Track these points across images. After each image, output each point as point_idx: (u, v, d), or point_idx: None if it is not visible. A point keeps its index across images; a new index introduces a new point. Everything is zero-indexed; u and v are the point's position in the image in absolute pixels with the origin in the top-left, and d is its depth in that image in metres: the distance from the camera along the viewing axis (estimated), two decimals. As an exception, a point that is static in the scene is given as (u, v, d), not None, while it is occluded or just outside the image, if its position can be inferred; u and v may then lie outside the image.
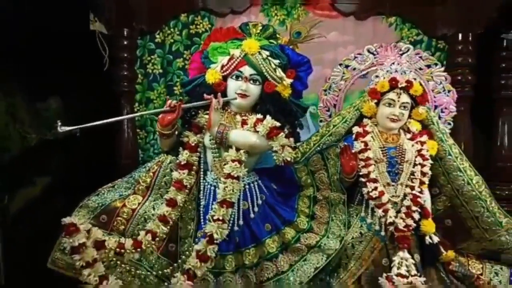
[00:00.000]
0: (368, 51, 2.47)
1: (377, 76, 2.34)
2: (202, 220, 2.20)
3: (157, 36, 2.88)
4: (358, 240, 2.25)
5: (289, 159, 2.14)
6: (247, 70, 2.17)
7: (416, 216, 2.20)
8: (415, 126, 2.31)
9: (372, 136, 2.27)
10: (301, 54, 2.30)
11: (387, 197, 2.20)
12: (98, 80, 2.78)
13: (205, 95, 2.15)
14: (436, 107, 2.47)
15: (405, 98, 2.25)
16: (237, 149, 2.13)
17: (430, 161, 2.24)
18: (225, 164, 2.12)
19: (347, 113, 2.35)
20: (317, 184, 2.35)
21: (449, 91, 2.46)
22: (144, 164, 2.32)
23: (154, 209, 2.18)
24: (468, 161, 2.31)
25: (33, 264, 2.27)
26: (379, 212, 2.19)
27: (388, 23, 2.94)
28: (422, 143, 2.26)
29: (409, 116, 2.31)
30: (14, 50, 2.72)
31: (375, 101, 2.29)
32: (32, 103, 2.96)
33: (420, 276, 2.13)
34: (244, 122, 2.17)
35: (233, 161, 2.11)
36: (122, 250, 2.04)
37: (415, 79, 2.30)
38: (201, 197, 2.24)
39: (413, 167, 2.24)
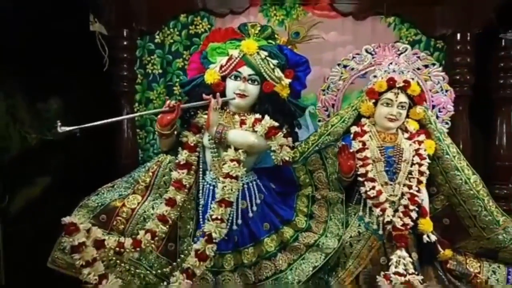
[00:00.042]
0: (366, 51, 2.48)
1: (375, 76, 2.35)
2: (201, 220, 2.20)
3: (157, 36, 2.89)
4: (356, 239, 2.26)
5: (287, 158, 2.15)
6: (245, 71, 2.18)
7: (414, 215, 2.21)
8: (413, 126, 2.33)
9: (370, 136, 2.29)
10: (299, 54, 2.32)
11: (385, 196, 2.21)
12: (98, 80, 2.79)
13: (204, 95, 2.16)
14: (433, 106, 2.48)
15: (402, 98, 2.26)
16: (236, 149, 2.13)
17: (427, 160, 2.25)
18: (223, 164, 2.13)
19: (345, 113, 2.37)
20: (315, 184, 2.35)
21: (446, 91, 2.48)
22: (144, 164, 2.33)
23: (153, 208, 2.19)
24: (466, 161, 2.32)
25: (34, 264, 2.28)
26: (377, 211, 2.21)
27: (387, 23, 2.95)
28: (420, 142, 2.27)
29: (407, 116, 2.32)
30: (14, 51, 2.73)
31: (373, 101, 2.30)
32: (32, 104, 2.97)
33: (417, 275, 2.13)
34: (242, 122, 2.18)
35: (231, 160, 2.12)
36: (122, 250, 2.05)
37: (412, 79, 2.31)
38: (200, 197, 2.24)
39: (411, 166, 2.25)
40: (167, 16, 2.88)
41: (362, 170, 2.22)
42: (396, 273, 2.12)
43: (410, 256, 2.18)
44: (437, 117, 2.46)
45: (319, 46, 2.60)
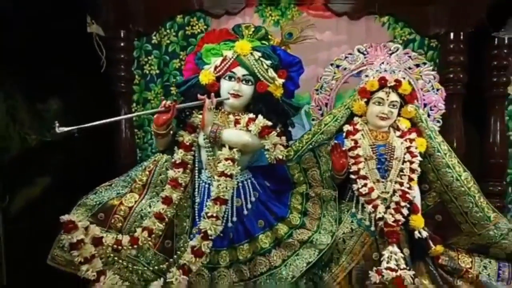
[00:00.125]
0: (359, 51, 2.51)
1: (366, 76, 2.37)
2: (197, 217, 2.24)
3: (154, 37, 2.93)
4: (349, 235, 2.29)
5: (280, 157, 2.19)
6: (239, 71, 2.21)
7: (405, 211, 2.23)
8: (404, 124, 2.34)
9: (362, 134, 2.32)
10: (292, 55, 2.34)
11: (377, 193, 2.24)
12: (96, 81, 2.81)
13: (199, 95, 2.19)
14: (425, 105, 2.50)
15: (394, 96, 2.29)
16: (230, 148, 2.16)
17: (419, 158, 2.27)
18: (218, 163, 2.16)
19: (338, 112, 2.39)
20: (309, 181, 2.39)
21: (438, 90, 2.50)
22: (141, 163, 2.36)
23: (150, 206, 2.22)
24: (457, 158, 2.34)
25: (34, 263, 2.30)
26: (369, 208, 2.24)
27: (381, 23, 2.98)
28: (411, 140, 2.29)
29: (399, 114, 2.35)
30: (14, 51, 2.75)
31: (365, 100, 2.33)
32: (32, 105, 2.99)
33: (409, 270, 2.16)
34: (237, 122, 2.21)
35: (226, 159, 2.15)
36: (120, 247, 2.10)
37: (404, 78, 2.33)
38: (196, 195, 2.27)
39: (402, 164, 2.27)
40: (163, 17, 2.91)
41: (354, 168, 2.25)
42: (388, 268, 2.14)
43: (402, 252, 2.21)
44: (429, 115, 2.47)
45: (314, 46, 2.62)
